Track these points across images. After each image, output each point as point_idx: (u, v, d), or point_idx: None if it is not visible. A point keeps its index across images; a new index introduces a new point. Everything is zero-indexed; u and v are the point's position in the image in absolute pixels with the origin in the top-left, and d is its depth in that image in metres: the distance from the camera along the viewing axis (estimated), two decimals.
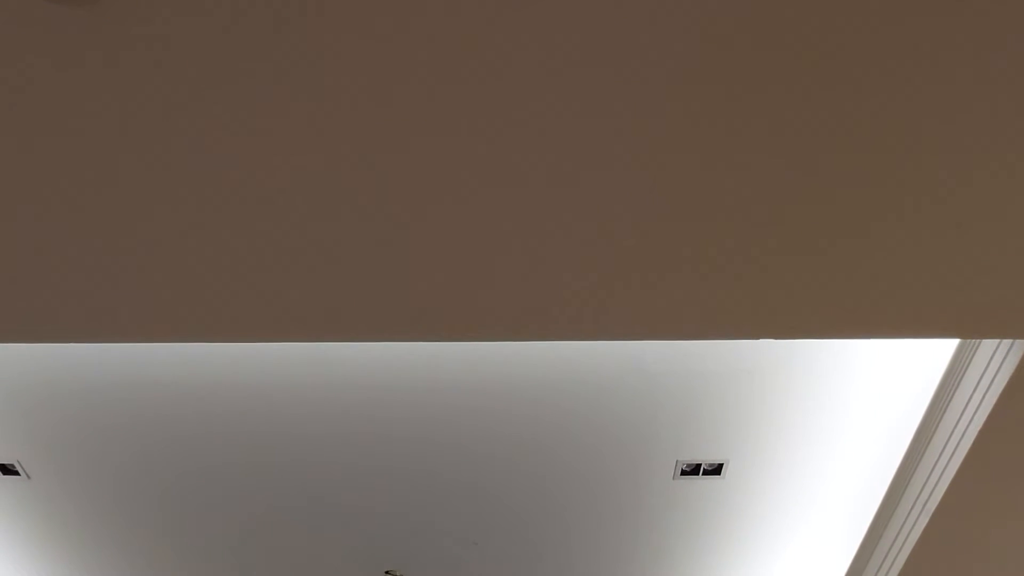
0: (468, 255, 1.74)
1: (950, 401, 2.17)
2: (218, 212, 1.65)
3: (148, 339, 1.99)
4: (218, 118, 1.45)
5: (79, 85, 1.37)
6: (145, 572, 3.59)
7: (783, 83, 1.38)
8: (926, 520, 2.32)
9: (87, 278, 1.78)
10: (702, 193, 1.61)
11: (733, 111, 1.43)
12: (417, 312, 1.86)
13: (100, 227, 1.67)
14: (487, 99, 1.41)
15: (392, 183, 1.57)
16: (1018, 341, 1.92)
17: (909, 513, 2.46)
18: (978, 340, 2.09)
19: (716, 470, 3.07)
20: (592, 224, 1.67)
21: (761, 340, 2.39)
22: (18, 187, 1.59)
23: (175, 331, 1.89)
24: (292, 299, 1.83)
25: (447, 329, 1.93)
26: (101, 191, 1.60)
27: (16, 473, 3.09)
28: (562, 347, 2.62)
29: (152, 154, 1.52)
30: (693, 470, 3.07)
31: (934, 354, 2.45)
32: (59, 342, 2.08)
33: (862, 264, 1.76)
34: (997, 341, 2.04)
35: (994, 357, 2.01)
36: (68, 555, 3.52)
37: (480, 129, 1.47)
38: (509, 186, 1.58)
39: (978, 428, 2.01)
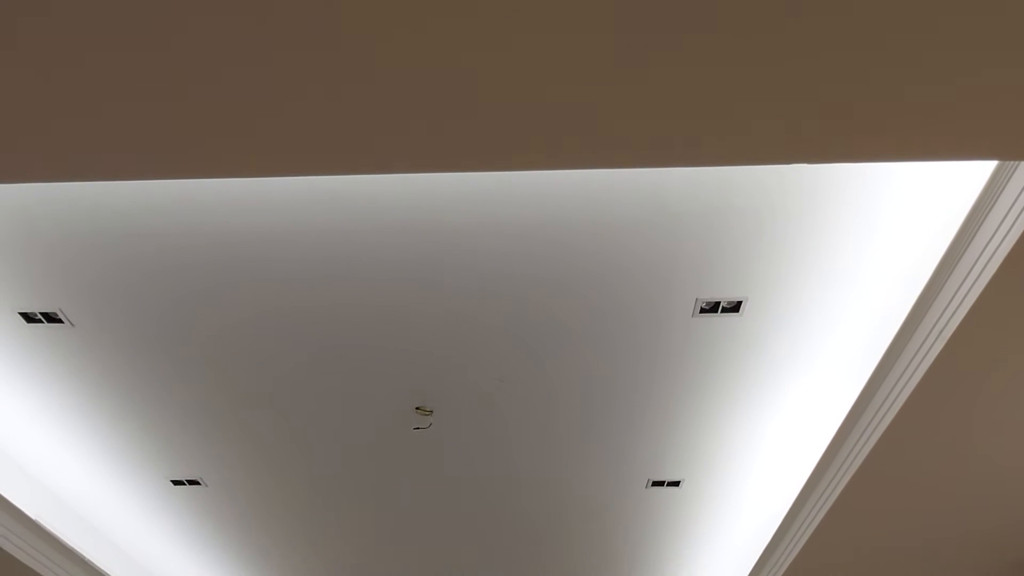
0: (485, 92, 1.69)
1: (981, 225, 2.15)
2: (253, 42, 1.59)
3: (199, 175, 2.00)
4: None
5: None
6: (187, 413, 3.83)
7: None
8: (941, 346, 2.38)
9: (141, 110, 1.75)
10: (735, 8, 1.51)
11: None
12: (446, 140, 1.83)
13: (151, 57, 1.62)
14: None
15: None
16: None
17: (924, 342, 2.52)
18: (1016, 163, 2.03)
19: (735, 307, 3.13)
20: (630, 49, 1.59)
21: (793, 166, 2.35)
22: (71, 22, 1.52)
23: (219, 166, 1.90)
24: (338, 129, 1.80)
25: (480, 159, 1.90)
26: (151, 23, 1.53)
27: (60, 321, 3.22)
28: (586, 187, 2.59)
29: None
30: (712, 308, 3.13)
31: (963, 185, 2.41)
32: (112, 179, 2.08)
33: (901, 84, 1.68)
34: None
35: None
36: (114, 399, 3.74)
37: None
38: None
39: (1007, 252, 2.00)
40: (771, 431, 3.92)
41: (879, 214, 2.66)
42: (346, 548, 5.28)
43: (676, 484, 4.43)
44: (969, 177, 2.32)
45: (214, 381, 3.57)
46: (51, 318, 3.20)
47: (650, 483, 4.41)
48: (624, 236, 2.77)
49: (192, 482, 4.42)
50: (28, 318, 3.20)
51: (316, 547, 5.26)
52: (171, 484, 4.44)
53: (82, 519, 4.84)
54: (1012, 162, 2.04)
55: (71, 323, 3.22)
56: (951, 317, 2.32)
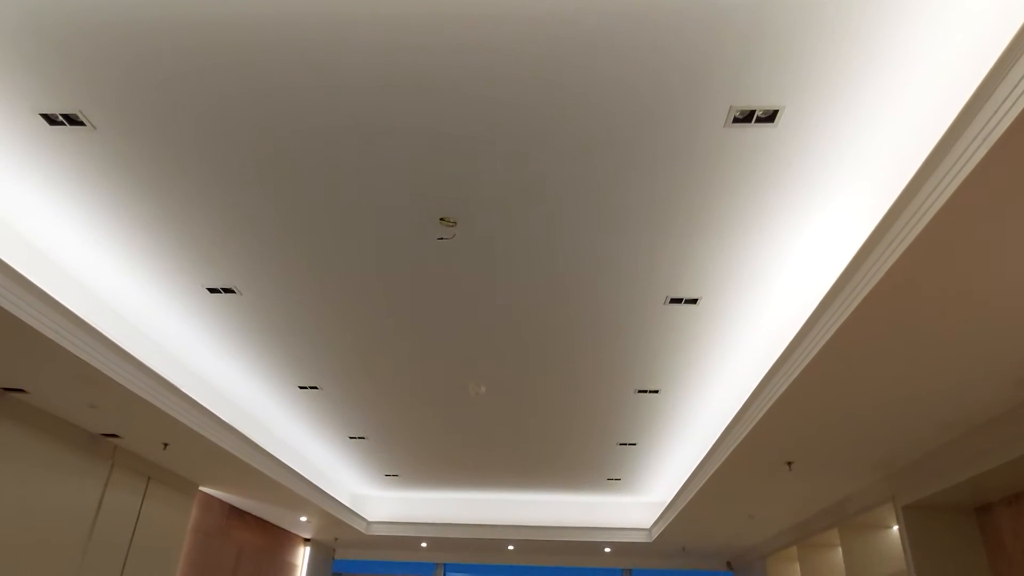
0: None
1: None
2: None
3: None
4: None
5: None
6: (218, 222, 3.89)
7: None
8: (984, 152, 2.27)
9: None
10: None
11: None
12: None
13: None
14: None
15: None
16: None
17: (964, 152, 2.40)
18: None
19: (770, 117, 2.99)
20: None
21: None
22: None
23: None
24: None
25: None
26: None
27: (81, 124, 3.19)
28: None
29: None
30: (746, 117, 3.00)
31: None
32: None
33: None
34: None
35: None
36: (144, 204, 3.79)
37: None
38: None
39: None
40: (796, 251, 3.91)
41: (935, 9, 2.45)
42: (368, 356, 5.59)
43: (694, 302, 4.52)
44: None
45: (241, 187, 3.58)
46: (72, 120, 3.17)
47: (668, 300, 4.51)
48: (668, 28, 2.58)
49: (227, 290, 4.61)
50: (50, 120, 3.17)
51: (338, 354, 5.57)
52: (207, 292, 4.64)
53: (124, 319, 5.13)
54: None
55: (92, 126, 3.19)
56: (996, 127, 2.19)
